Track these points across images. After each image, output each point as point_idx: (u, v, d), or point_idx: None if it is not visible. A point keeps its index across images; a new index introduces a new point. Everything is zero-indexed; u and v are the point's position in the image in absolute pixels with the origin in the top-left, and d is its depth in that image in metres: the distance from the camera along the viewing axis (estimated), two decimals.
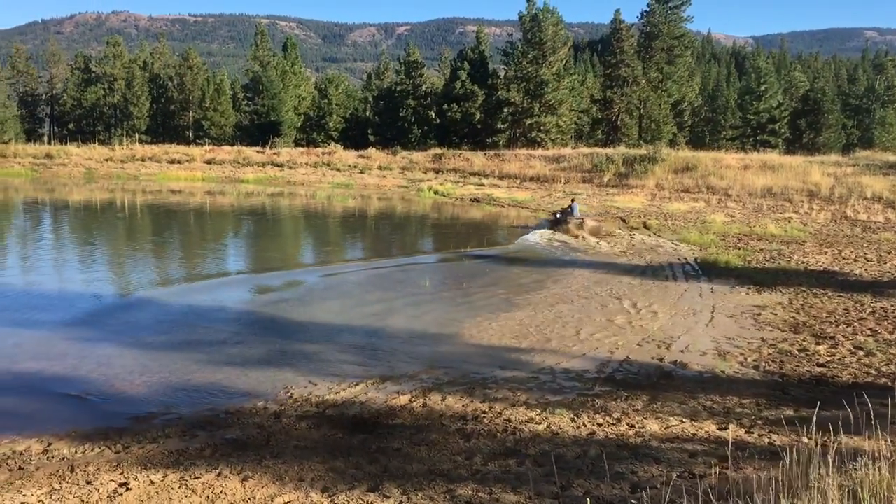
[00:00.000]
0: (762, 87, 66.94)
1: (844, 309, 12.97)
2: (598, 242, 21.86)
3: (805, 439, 5.71)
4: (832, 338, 10.94)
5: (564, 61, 60.01)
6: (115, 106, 72.18)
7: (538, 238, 23.09)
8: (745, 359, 9.90)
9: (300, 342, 10.85)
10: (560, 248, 21.27)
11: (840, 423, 5.36)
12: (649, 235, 23.31)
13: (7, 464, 6.42)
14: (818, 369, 9.38)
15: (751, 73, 73.14)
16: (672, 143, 56.62)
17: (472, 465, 6.24)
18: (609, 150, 47.58)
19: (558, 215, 25.97)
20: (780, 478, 4.28)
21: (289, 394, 8.46)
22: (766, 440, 6.67)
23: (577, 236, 23.07)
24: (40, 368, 9.37)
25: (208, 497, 5.69)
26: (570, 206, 26.20)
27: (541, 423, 7.31)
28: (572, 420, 7.41)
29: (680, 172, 39.29)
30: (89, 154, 56.66)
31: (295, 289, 15.33)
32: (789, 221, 26.02)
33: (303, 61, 79.19)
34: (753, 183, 34.87)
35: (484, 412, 7.71)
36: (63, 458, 6.54)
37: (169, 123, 72.99)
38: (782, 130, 66.43)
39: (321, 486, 5.83)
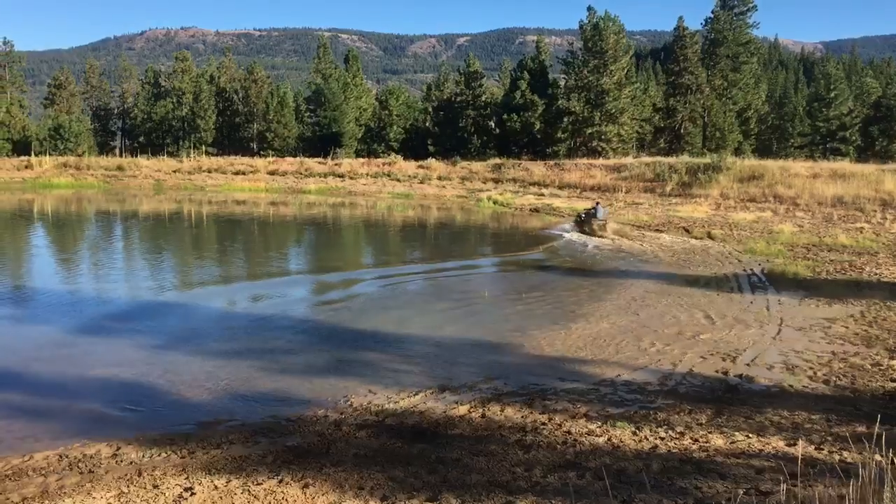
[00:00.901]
0: (832, 94, 65.07)
1: None
2: (642, 247, 21.62)
3: (878, 457, 5.50)
4: None
5: (626, 70, 59.36)
6: (184, 119, 74.32)
7: (591, 246, 22.92)
8: (815, 373, 9.60)
9: (359, 350, 10.94)
10: (623, 257, 21.00)
11: None
12: (708, 242, 22.85)
13: (78, 467, 6.63)
14: (892, 384, 9.03)
15: (820, 80, 71.18)
16: (737, 152, 55.38)
17: (531, 476, 6.19)
18: (672, 160, 46.83)
19: (583, 216, 27.62)
20: (851, 496, 4.13)
21: (349, 402, 8.54)
22: (837, 457, 6.45)
23: (601, 236, 25.09)
24: (111, 375, 9.66)
25: (270, 503, 5.77)
26: (593, 208, 27.58)
27: (601, 436, 7.21)
28: (634, 433, 7.29)
29: (746, 181, 38.43)
30: (158, 166, 58.49)
31: (354, 297, 15.49)
32: (861, 232, 25.17)
33: (364, 73, 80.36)
34: (823, 192, 33.88)
35: (543, 423, 7.64)
36: (131, 462, 6.72)
37: (234, 136, 74.78)
38: (853, 138, 64.42)
39: (381, 495, 5.85)
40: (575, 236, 26.00)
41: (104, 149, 76.43)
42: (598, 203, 28.59)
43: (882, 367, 9.77)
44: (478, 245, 26.34)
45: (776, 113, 73.62)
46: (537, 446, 6.94)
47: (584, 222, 26.82)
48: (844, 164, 42.45)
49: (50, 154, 62.47)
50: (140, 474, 6.38)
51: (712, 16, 61.08)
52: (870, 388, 8.92)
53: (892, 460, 5.01)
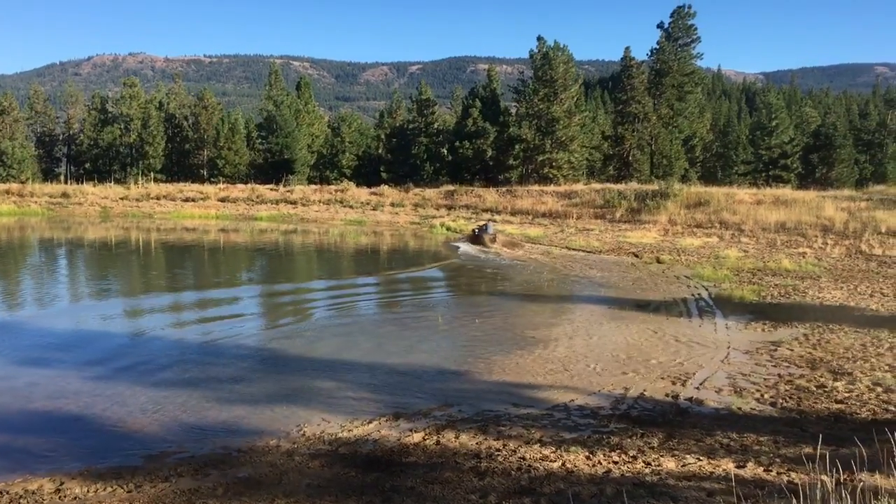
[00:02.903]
0: (773, 123, 67.04)
1: (861, 344, 12.84)
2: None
3: (824, 477, 5.62)
4: (850, 374, 10.80)
5: (575, 98, 60.33)
6: (131, 146, 73.04)
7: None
8: (762, 395, 9.79)
9: (312, 378, 10.81)
10: (577, 281, 21.22)
11: (859, 460, 5.28)
12: (658, 264, 23.23)
13: (19, 503, 6.40)
14: (836, 406, 9.26)
15: (762, 109, 73.29)
16: (684, 179, 56.64)
17: (486, 503, 6.17)
18: (621, 186, 47.65)
19: (476, 232, 33.24)
20: None
21: (301, 431, 8.42)
22: (785, 478, 6.57)
23: (491, 248, 30.29)
24: (54, 407, 9.38)
25: None
26: (485, 225, 33.99)
27: (556, 461, 7.24)
28: (587, 458, 7.33)
29: (692, 208, 39.27)
30: (105, 193, 57.38)
31: (307, 324, 15.34)
32: (804, 256, 25.88)
33: (316, 100, 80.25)
34: (767, 218, 34.78)
35: (498, 450, 7.63)
36: (75, 498, 6.52)
37: (184, 162, 73.70)
38: (794, 165, 66.38)
39: None
40: (470, 248, 30.73)
41: (49, 175, 74.66)
42: (488, 221, 36.25)
43: (826, 389, 10.01)
44: (433, 272, 26.34)
45: (720, 141, 75.54)
46: (492, 473, 6.93)
47: (478, 237, 32.29)
48: (787, 191, 43.69)
49: None
50: None
51: (658, 46, 62.59)
52: (815, 409, 9.12)
53: (838, 480, 5.12)
